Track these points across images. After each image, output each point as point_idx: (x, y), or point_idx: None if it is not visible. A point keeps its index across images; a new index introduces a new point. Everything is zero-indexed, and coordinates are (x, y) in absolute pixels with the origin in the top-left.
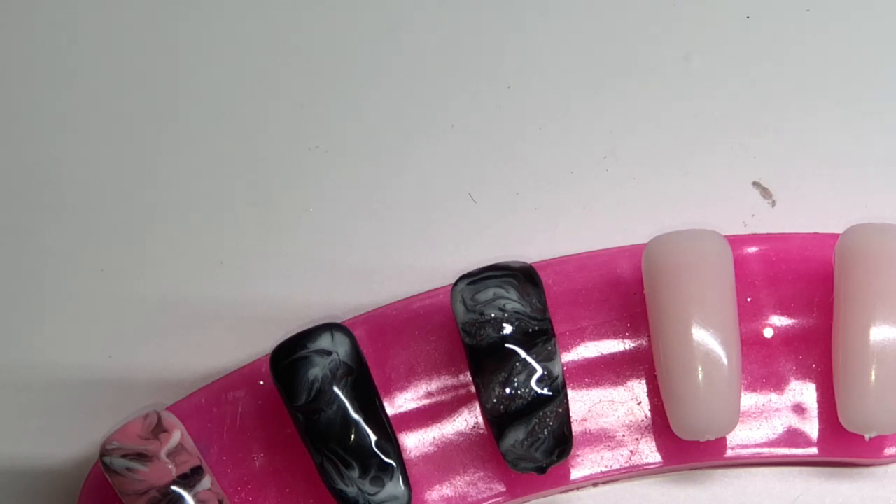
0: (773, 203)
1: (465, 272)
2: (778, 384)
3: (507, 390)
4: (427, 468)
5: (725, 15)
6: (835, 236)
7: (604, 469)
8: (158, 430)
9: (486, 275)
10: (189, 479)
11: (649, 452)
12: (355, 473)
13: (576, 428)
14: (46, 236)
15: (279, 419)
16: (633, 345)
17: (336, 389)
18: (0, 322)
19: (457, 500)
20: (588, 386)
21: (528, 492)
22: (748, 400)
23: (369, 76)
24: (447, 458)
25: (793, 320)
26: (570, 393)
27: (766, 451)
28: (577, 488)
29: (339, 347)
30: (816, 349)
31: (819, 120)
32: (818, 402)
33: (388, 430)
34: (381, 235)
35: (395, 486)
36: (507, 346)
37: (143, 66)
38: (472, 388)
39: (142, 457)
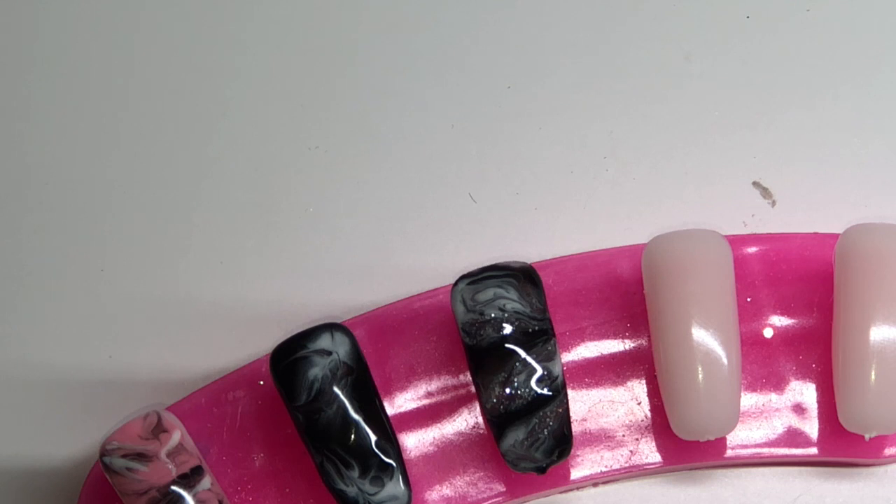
0: (773, 203)
1: (465, 272)
2: (778, 384)
3: (507, 390)
4: (427, 468)
5: (725, 15)
6: (835, 236)
7: (604, 469)
8: (158, 430)
9: (486, 275)
10: (189, 479)
11: (649, 452)
12: (355, 473)
13: (576, 428)
14: (47, 236)
15: (279, 419)
16: (633, 345)
17: (336, 389)
18: (0, 322)
19: (457, 500)
20: (588, 386)
21: (528, 492)
22: (748, 400)
23: (369, 76)
24: (447, 458)
25: (793, 320)
26: (570, 393)
27: (766, 451)
28: (577, 488)
29: (339, 347)
30: (816, 349)
31: (819, 120)
32: (818, 402)
33: (388, 430)
34: (381, 235)
35: (395, 486)
36: (507, 346)
37: (143, 66)
38: (472, 388)
39: (142, 457)
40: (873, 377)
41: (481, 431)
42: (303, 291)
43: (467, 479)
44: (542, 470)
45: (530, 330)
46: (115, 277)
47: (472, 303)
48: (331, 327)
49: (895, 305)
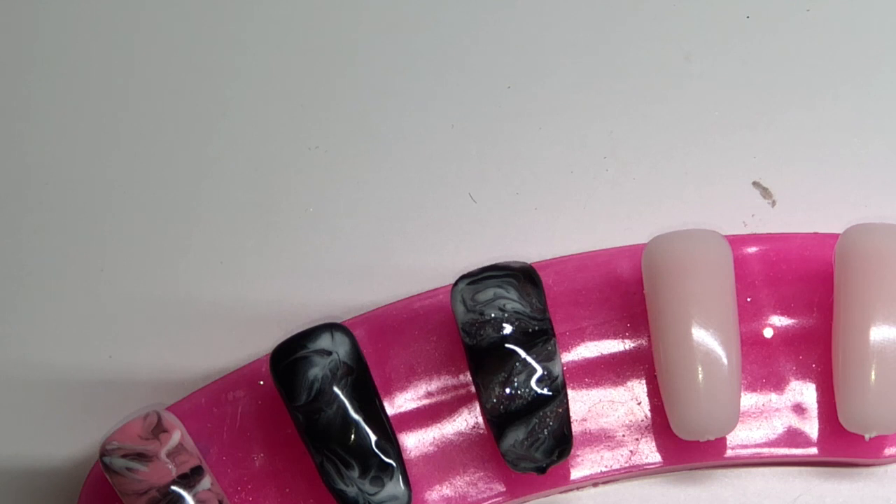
0: (773, 203)
1: (465, 272)
2: (778, 384)
3: (507, 390)
4: (427, 468)
5: (725, 15)
6: (835, 236)
7: (604, 469)
8: (158, 430)
9: (486, 275)
10: (189, 479)
11: (649, 452)
12: (355, 473)
13: (576, 428)
14: (47, 236)
15: (279, 419)
16: (633, 345)
17: (336, 389)
18: (0, 322)
19: (457, 500)
20: (588, 386)
21: (528, 492)
22: (748, 400)
23: (369, 76)
24: (447, 458)
25: (793, 320)
26: (570, 393)
27: (766, 451)
28: (577, 488)
29: (339, 347)
30: (816, 349)
31: (819, 120)
32: (818, 402)
33: (388, 430)
34: (381, 235)
35: (395, 486)
36: (507, 346)
37: (144, 66)
38: (472, 388)
39: (142, 457)
40: (873, 377)
41: (481, 431)
42: (303, 291)
43: (467, 479)
44: (542, 470)
45: (530, 330)
46: (115, 277)
47: (472, 303)
48: (331, 327)
49: (895, 305)
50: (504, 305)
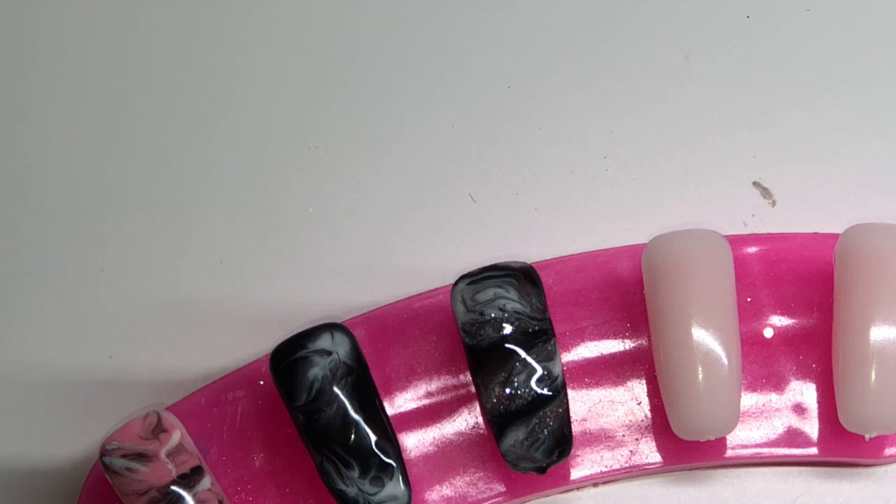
0: (773, 203)
1: (465, 272)
2: (778, 384)
3: (507, 390)
4: (427, 468)
5: (725, 15)
6: (835, 236)
7: (604, 469)
8: (158, 430)
9: (486, 275)
10: (189, 479)
11: (649, 452)
12: (355, 473)
13: (576, 428)
14: (47, 236)
15: (279, 419)
16: (633, 345)
17: (336, 389)
18: (0, 322)
19: (457, 500)
20: (588, 386)
21: (528, 492)
22: (748, 400)
23: (369, 76)
24: (447, 458)
25: (793, 320)
26: (570, 393)
27: (766, 451)
28: (577, 488)
29: (339, 347)
30: (816, 349)
31: (819, 120)
32: (818, 402)
33: (388, 430)
34: (381, 235)
35: (395, 486)
36: (507, 346)
37: (143, 66)
38: (472, 388)
39: (142, 457)
40: (873, 377)
41: (481, 431)
42: (303, 291)
43: (467, 479)
44: (542, 470)
45: (530, 330)
46: (115, 277)
47: (472, 303)
48: (331, 327)
49: (895, 305)
50: (504, 305)
